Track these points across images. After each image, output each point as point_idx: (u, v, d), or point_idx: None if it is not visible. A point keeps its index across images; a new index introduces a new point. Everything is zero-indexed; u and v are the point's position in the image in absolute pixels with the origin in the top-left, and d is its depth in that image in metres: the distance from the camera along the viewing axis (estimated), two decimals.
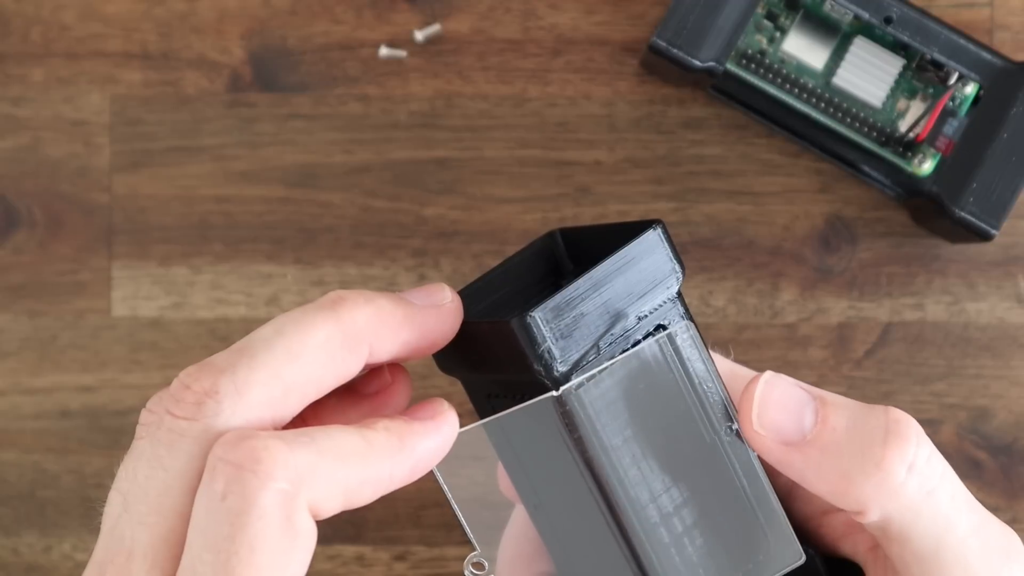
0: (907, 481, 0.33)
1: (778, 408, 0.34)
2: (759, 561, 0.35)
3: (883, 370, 0.52)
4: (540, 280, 0.39)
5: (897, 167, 0.49)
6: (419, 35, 0.52)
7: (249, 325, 0.52)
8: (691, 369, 0.34)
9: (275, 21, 0.52)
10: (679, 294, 0.34)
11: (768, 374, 0.34)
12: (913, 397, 0.52)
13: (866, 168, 0.50)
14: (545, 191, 0.52)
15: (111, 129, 0.52)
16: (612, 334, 0.33)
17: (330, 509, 0.30)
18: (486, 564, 0.35)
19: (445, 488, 0.34)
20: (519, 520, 0.39)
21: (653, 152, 0.52)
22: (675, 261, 0.34)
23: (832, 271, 0.52)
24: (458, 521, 0.35)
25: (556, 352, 0.33)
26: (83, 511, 0.52)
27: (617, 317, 0.33)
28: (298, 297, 0.52)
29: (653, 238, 0.34)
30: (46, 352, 0.52)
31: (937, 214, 0.49)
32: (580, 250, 0.39)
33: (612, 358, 0.33)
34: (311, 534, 0.30)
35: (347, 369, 0.32)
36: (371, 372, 0.35)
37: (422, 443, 0.32)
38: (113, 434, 0.52)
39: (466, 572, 0.35)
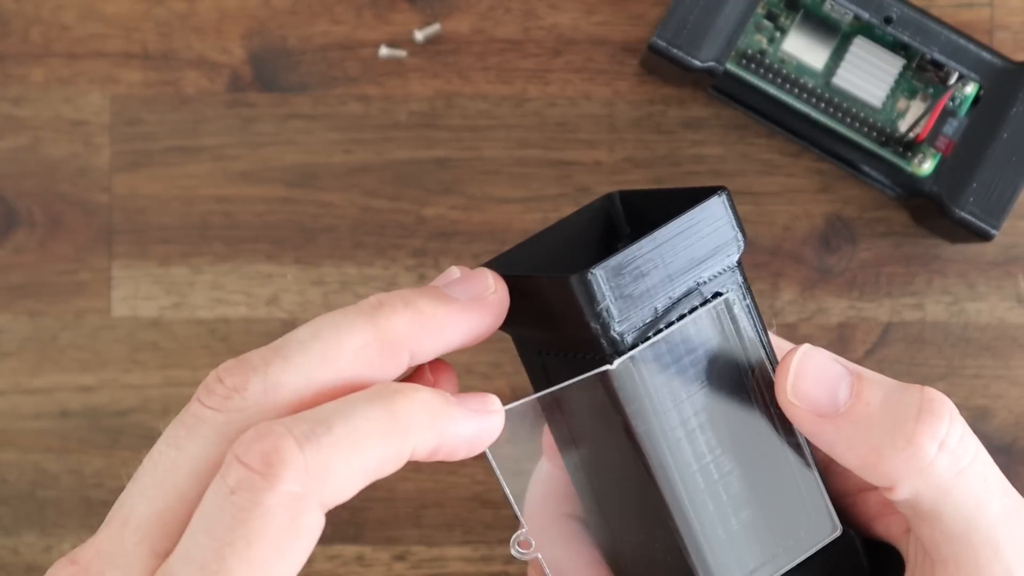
0: (937, 459, 0.33)
1: (813, 379, 0.34)
2: (800, 537, 0.35)
3: (883, 370, 0.51)
4: (596, 241, 0.38)
5: (897, 167, 0.49)
6: (419, 35, 0.52)
7: (249, 325, 0.52)
8: (746, 339, 0.34)
9: (275, 21, 0.52)
10: (739, 263, 0.34)
11: (806, 346, 0.34)
12: None
13: (866, 168, 0.50)
14: (545, 191, 0.52)
15: (111, 129, 0.52)
16: (670, 298, 0.33)
17: (349, 494, 0.30)
18: (532, 542, 0.35)
19: (494, 465, 0.34)
20: (546, 464, 0.39)
21: (653, 152, 0.52)
22: (738, 229, 0.34)
23: (832, 271, 0.52)
24: (506, 498, 0.34)
25: (615, 311, 0.32)
26: (83, 511, 0.52)
27: (676, 281, 0.33)
28: (298, 297, 0.52)
29: (718, 204, 0.33)
30: (46, 352, 0.52)
31: (937, 214, 0.49)
32: (637, 214, 0.38)
33: (669, 322, 0.33)
34: (314, 533, 0.30)
35: (386, 374, 0.32)
36: (414, 374, 0.35)
37: (453, 428, 0.32)
38: (113, 434, 0.52)
39: (512, 551, 0.35)
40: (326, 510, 0.30)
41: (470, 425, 0.32)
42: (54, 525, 0.52)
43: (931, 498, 0.33)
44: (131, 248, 0.52)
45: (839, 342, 0.52)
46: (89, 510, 0.52)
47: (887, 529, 0.37)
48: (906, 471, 0.33)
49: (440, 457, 0.32)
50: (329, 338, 0.31)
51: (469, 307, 0.33)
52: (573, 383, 0.33)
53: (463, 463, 0.52)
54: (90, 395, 0.52)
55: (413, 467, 0.52)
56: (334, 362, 0.31)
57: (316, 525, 0.30)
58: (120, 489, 0.32)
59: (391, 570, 0.52)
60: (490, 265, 0.36)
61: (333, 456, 0.30)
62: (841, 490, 0.38)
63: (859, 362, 0.52)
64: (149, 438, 0.32)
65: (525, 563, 0.48)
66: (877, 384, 0.34)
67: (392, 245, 0.52)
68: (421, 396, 0.31)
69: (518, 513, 0.35)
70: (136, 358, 0.52)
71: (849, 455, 0.34)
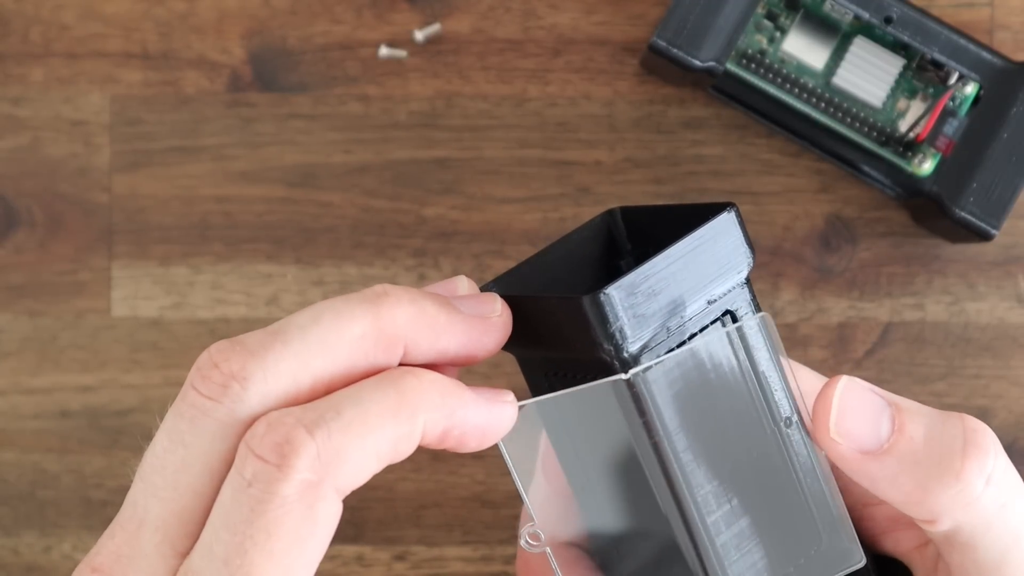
0: (984, 493, 0.33)
1: (856, 415, 0.33)
2: (811, 556, 0.34)
3: (883, 370, 0.52)
4: (598, 259, 0.38)
5: (897, 167, 0.49)
6: (419, 35, 0.52)
7: (249, 325, 0.52)
8: (756, 359, 0.34)
9: (275, 21, 0.52)
10: (748, 280, 0.34)
11: (845, 379, 0.34)
12: (913, 397, 0.51)
13: (866, 168, 0.50)
14: (545, 191, 0.52)
15: (111, 129, 0.52)
16: (682, 317, 0.32)
17: (364, 477, 0.30)
18: (542, 535, 0.35)
19: (507, 459, 0.33)
20: (540, 485, 0.39)
21: (653, 152, 0.52)
22: (747, 246, 0.33)
23: (832, 271, 0.52)
24: (518, 491, 0.34)
25: (628, 331, 0.32)
26: (83, 511, 0.52)
27: (688, 300, 0.32)
28: (298, 297, 0.52)
29: (728, 221, 0.33)
30: (46, 352, 0.52)
31: (937, 214, 0.49)
32: (639, 230, 0.38)
33: (680, 341, 0.33)
34: (332, 519, 0.30)
35: (379, 367, 0.32)
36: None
37: (463, 411, 0.31)
38: (113, 434, 0.52)
39: (521, 542, 0.34)
40: (343, 496, 0.30)
41: (481, 411, 0.32)
42: (54, 525, 0.52)
43: (971, 530, 0.33)
44: (131, 248, 0.52)
45: (839, 342, 0.52)
46: (89, 510, 0.52)
47: (896, 544, 0.37)
48: (952, 506, 0.33)
49: (450, 443, 0.32)
50: (330, 324, 0.31)
51: (472, 321, 0.33)
52: (591, 386, 0.32)
53: (463, 463, 0.52)
54: (90, 395, 0.52)
55: (413, 467, 0.52)
56: (332, 349, 0.31)
57: (334, 511, 0.30)
58: (120, 489, 0.32)
59: (391, 570, 0.52)
60: (492, 285, 0.36)
61: (345, 440, 0.30)
62: (846, 504, 0.37)
63: (859, 362, 0.52)
64: (149, 438, 0.32)
65: None
66: (918, 415, 0.33)
67: (392, 245, 0.52)
68: (430, 376, 0.31)
69: (530, 508, 0.35)
70: (136, 358, 0.52)
71: (892, 491, 0.33)
